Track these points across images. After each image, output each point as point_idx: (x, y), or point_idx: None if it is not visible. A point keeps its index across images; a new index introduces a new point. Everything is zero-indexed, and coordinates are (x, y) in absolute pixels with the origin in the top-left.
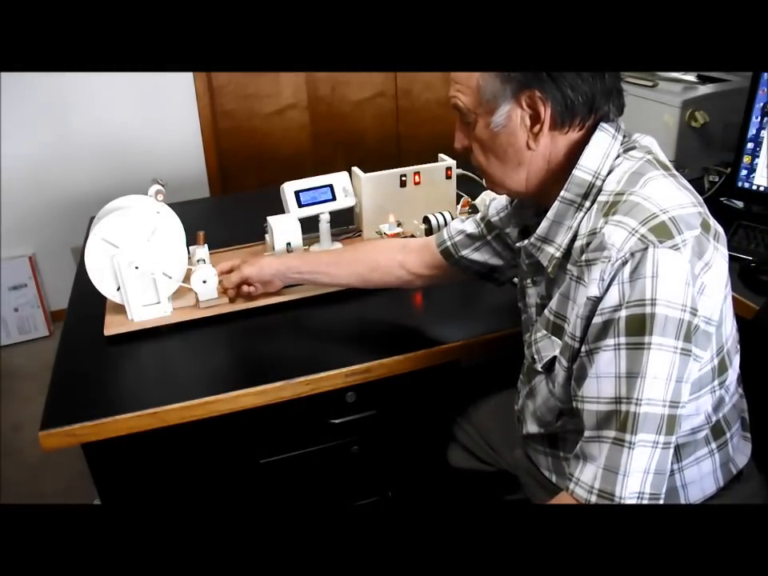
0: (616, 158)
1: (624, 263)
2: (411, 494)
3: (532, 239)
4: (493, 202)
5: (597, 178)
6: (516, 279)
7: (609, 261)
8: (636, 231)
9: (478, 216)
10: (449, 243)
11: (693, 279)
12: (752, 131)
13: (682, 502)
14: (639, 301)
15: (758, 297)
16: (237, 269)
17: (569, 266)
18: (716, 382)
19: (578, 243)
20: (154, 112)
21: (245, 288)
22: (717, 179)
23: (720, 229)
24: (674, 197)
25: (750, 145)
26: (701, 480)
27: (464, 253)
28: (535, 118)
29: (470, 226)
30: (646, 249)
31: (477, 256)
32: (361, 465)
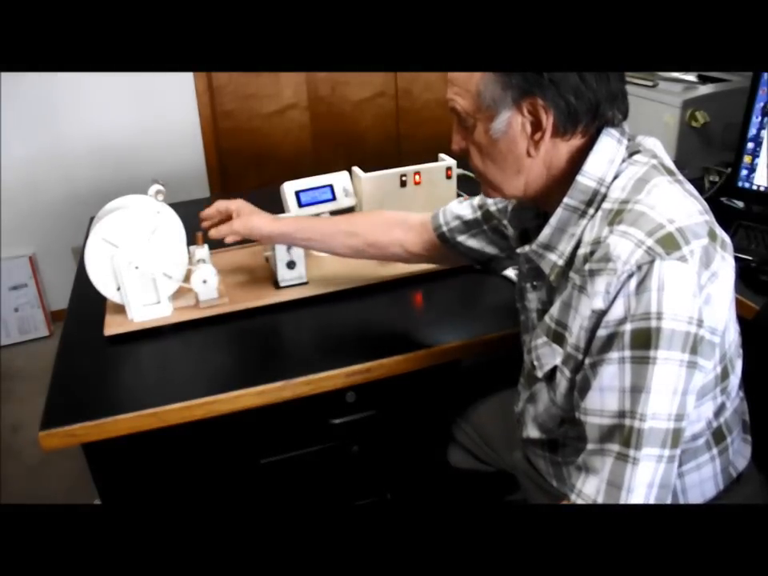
0: (621, 164)
1: (630, 276)
2: (411, 494)
3: (534, 246)
4: None
5: (601, 185)
6: (507, 273)
7: (615, 273)
8: (642, 243)
9: (476, 201)
10: (445, 228)
11: (699, 290)
12: (752, 131)
13: None
14: (645, 314)
15: (758, 297)
16: (228, 222)
17: (571, 274)
18: (718, 389)
19: (581, 251)
20: (155, 112)
21: (229, 239)
22: (717, 179)
23: (726, 237)
24: (681, 205)
25: (750, 145)
26: (701, 484)
27: (460, 239)
28: (536, 125)
29: (467, 210)
30: (652, 261)
31: (473, 243)
32: (361, 465)
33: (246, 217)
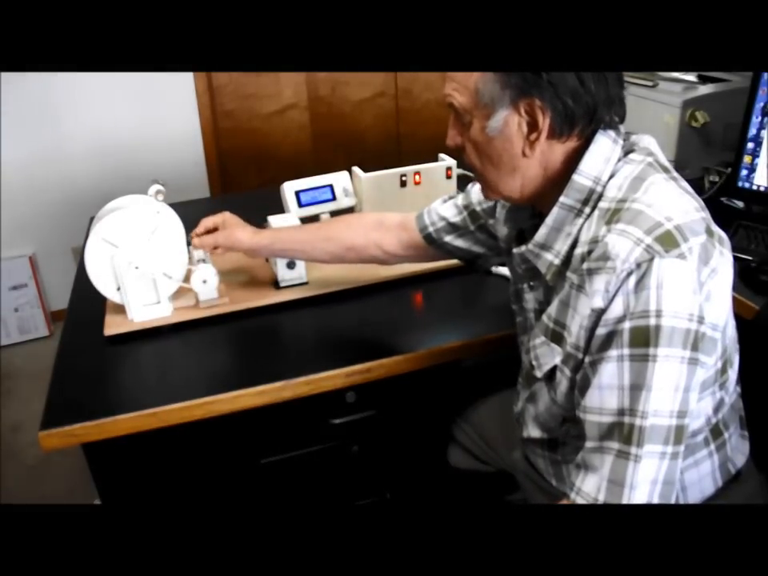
0: (617, 163)
1: (629, 274)
2: (411, 494)
3: (530, 246)
4: (474, 188)
5: (597, 183)
6: (495, 269)
7: (614, 272)
8: (641, 241)
9: (460, 202)
10: (431, 230)
11: (699, 287)
12: (752, 131)
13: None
14: (644, 312)
15: (758, 297)
16: (213, 233)
17: (568, 273)
18: (717, 385)
19: (578, 251)
20: (155, 112)
21: (217, 250)
22: (717, 179)
23: (722, 233)
24: (678, 203)
25: (750, 145)
26: (699, 482)
27: (447, 239)
28: (533, 126)
29: (451, 211)
30: (651, 259)
31: (460, 243)
32: (361, 465)
33: (230, 230)
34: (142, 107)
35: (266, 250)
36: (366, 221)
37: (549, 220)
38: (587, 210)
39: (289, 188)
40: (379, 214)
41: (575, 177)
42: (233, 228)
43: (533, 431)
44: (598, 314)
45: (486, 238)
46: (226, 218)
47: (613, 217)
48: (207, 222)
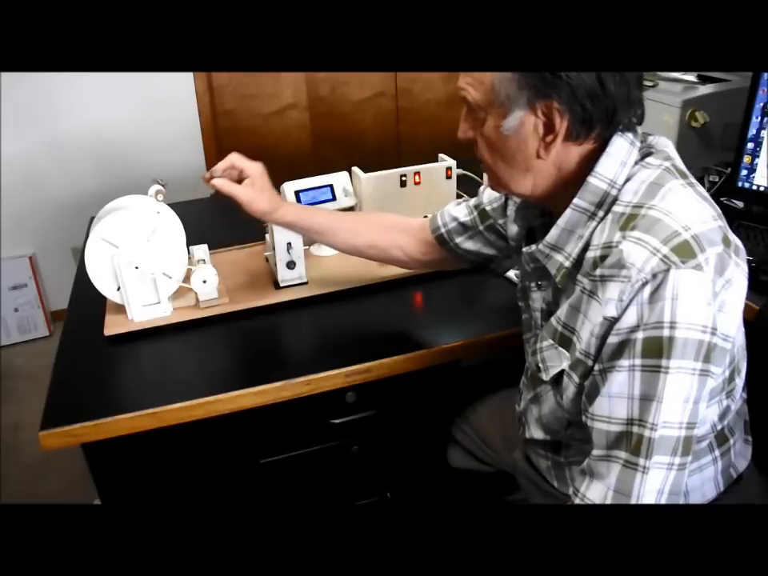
0: (633, 166)
1: (644, 284)
2: (411, 494)
3: (540, 246)
4: (486, 189)
5: (612, 187)
6: (507, 273)
7: (629, 281)
8: (658, 251)
9: (472, 202)
10: (443, 230)
11: (713, 297)
12: (752, 131)
13: None
14: (658, 323)
15: (759, 297)
16: (235, 185)
17: (579, 277)
18: (724, 393)
19: (590, 254)
20: (155, 112)
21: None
22: (717, 179)
23: (739, 242)
24: (695, 211)
25: (750, 145)
26: (702, 486)
27: (458, 240)
28: (549, 128)
29: (463, 212)
30: (668, 270)
31: (470, 245)
32: (361, 465)
33: (255, 195)
34: (143, 107)
35: (287, 225)
36: (389, 221)
37: (561, 221)
38: (601, 213)
39: (289, 188)
40: (401, 216)
41: (591, 179)
42: (259, 194)
43: (536, 432)
44: (611, 322)
45: (496, 238)
46: (257, 175)
47: (628, 222)
48: (235, 161)
